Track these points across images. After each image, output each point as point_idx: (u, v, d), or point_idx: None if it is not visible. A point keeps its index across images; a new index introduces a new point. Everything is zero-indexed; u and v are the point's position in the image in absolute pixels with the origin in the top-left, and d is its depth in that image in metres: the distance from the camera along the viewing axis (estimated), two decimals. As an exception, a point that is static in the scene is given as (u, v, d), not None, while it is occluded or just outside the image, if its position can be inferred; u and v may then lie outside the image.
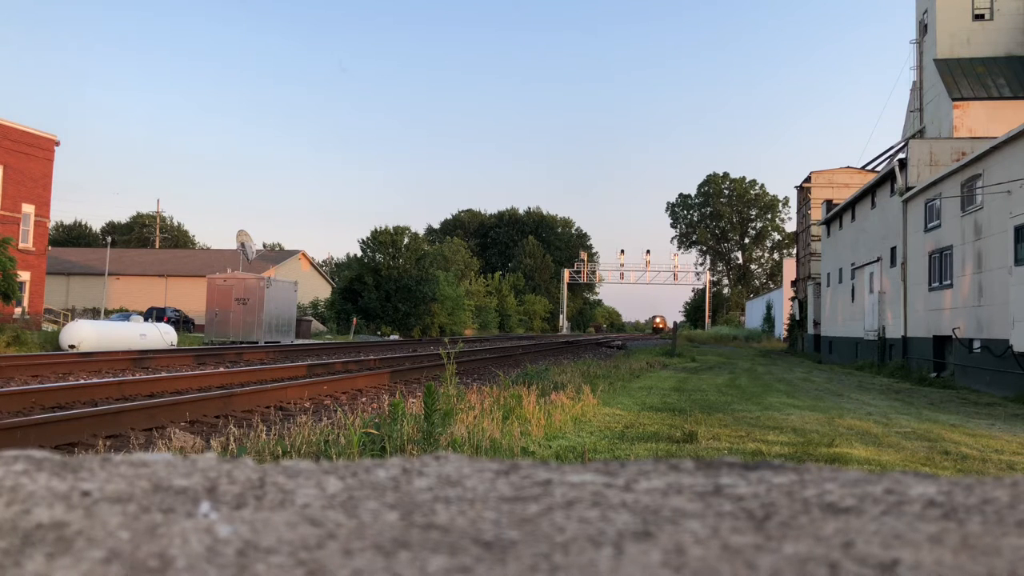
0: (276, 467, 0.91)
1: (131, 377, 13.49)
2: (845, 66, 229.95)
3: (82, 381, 12.49)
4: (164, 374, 14.07)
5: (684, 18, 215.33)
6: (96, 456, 0.95)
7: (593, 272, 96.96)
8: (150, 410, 8.94)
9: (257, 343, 29.83)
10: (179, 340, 28.21)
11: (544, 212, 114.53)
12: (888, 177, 23.93)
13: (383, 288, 49.97)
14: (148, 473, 0.87)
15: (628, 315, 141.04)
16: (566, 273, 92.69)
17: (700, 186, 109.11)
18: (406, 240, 52.58)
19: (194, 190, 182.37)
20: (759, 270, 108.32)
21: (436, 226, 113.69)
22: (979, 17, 31.71)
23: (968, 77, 30.51)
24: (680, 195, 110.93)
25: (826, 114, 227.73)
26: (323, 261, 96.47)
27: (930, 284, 20.25)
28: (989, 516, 0.74)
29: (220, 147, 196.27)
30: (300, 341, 34.24)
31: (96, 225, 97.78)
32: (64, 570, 0.62)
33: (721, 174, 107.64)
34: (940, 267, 19.73)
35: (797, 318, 40.31)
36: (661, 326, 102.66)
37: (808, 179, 37.58)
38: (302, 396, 11.94)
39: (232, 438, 6.98)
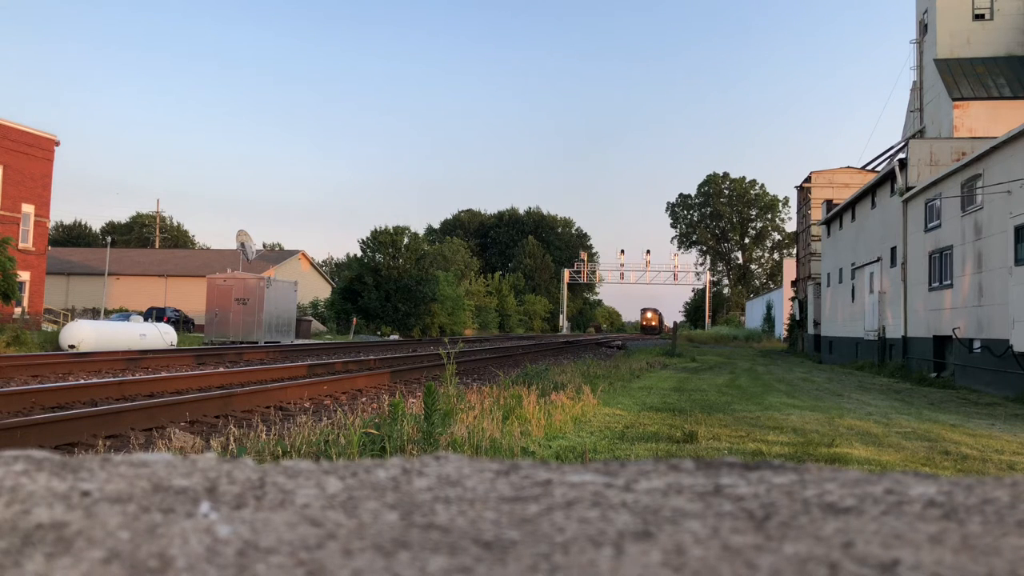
0: (276, 467, 0.91)
1: (131, 377, 13.48)
2: (845, 66, 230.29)
3: (82, 381, 12.48)
4: (164, 374, 14.07)
5: (684, 18, 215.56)
6: (96, 456, 0.95)
7: (593, 272, 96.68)
8: (150, 410, 8.94)
9: (257, 343, 29.82)
10: (179, 340, 28.21)
11: (544, 212, 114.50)
12: (888, 177, 23.92)
13: (383, 288, 49.96)
14: (148, 473, 0.87)
15: (628, 315, 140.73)
16: (566, 273, 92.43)
17: (700, 186, 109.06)
18: (406, 240, 52.57)
19: (194, 190, 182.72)
20: (759, 270, 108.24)
21: (436, 226, 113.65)
22: (979, 17, 31.71)
23: (968, 77, 30.51)
24: (680, 195, 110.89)
25: (826, 114, 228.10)
26: (323, 261, 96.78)
27: (930, 284, 20.25)
28: (989, 516, 0.74)
29: (220, 147, 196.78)
30: (300, 341, 34.23)
31: (96, 225, 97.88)
32: (64, 570, 0.62)
33: (721, 174, 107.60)
34: (940, 267, 19.72)
35: (797, 318, 40.29)
36: (654, 323, 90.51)
37: (808, 179, 37.59)
38: (302, 396, 11.93)
39: (232, 438, 6.98)
